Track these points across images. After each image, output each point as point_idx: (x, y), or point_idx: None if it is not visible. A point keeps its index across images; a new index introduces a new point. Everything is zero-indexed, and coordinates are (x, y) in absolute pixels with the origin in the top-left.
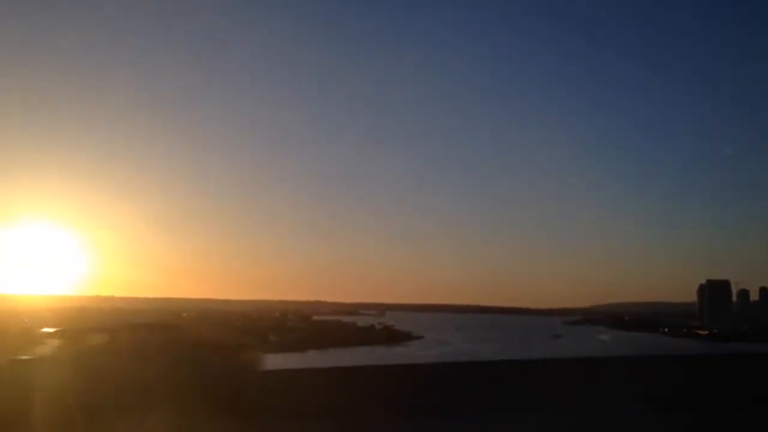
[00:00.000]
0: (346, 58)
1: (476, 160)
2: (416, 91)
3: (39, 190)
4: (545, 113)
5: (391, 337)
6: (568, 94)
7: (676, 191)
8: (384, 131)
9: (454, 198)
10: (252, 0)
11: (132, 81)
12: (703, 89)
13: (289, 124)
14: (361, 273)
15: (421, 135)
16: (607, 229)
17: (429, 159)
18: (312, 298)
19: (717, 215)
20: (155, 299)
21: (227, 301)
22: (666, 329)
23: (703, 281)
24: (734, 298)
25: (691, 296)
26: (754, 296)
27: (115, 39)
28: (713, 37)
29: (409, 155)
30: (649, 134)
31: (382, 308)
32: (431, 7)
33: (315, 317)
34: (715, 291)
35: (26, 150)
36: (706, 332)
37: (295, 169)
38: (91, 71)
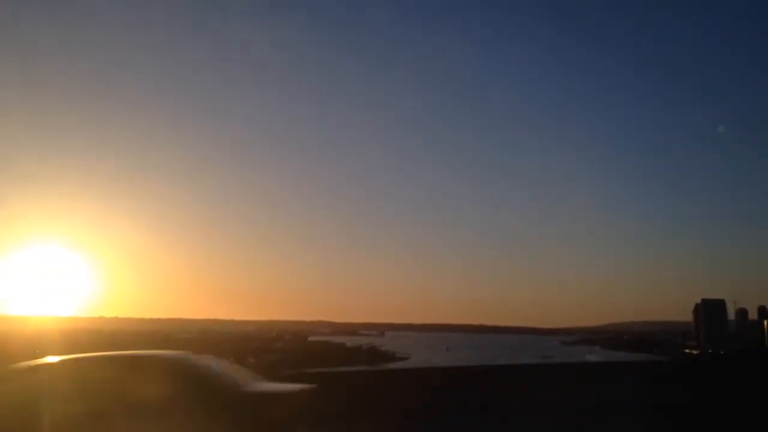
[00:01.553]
0: (354, 72)
1: (481, 182)
2: (418, 111)
3: (42, 210)
4: (545, 134)
5: (375, 357)
6: (571, 116)
7: (687, 207)
8: (387, 156)
9: (459, 218)
10: (257, 7)
11: (141, 99)
12: (703, 102)
13: (297, 148)
14: (366, 294)
15: (423, 159)
16: (617, 248)
17: (433, 181)
18: (316, 318)
19: (724, 233)
20: (160, 320)
21: (233, 322)
22: (658, 349)
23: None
24: (733, 317)
25: None
26: (753, 315)
27: (127, 57)
28: (708, 45)
29: (413, 176)
30: (651, 153)
31: (383, 328)
32: (432, 15)
33: (311, 338)
34: (710, 310)
35: (30, 167)
36: (697, 352)
37: (303, 191)
38: (100, 89)
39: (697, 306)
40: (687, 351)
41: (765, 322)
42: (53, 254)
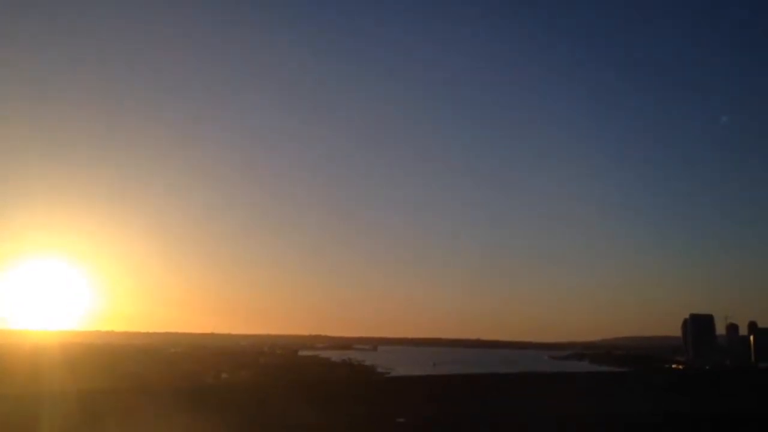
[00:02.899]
0: (354, 86)
1: (474, 201)
2: (413, 128)
3: (39, 225)
4: (538, 156)
5: (356, 372)
6: (566, 137)
7: (684, 224)
8: (378, 176)
9: (459, 235)
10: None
11: (143, 114)
12: (696, 119)
13: (298, 166)
14: (364, 309)
15: (423, 177)
16: (615, 264)
17: (434, 200)
18: (314, 332)
19: (719, 250)
20: (157, 334)
21: (230, 336)
22: (647, 363)
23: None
24: (725, 332)
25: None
26: (744, 331)
27: (125, 74)
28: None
29: (414, 194)
30: (645, 174)
31: (379, 342)
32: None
33: (302, 352)
34: (698, 325)
35: (28, 182)
36: (680, 366)
37: (306, 207)
38: (102, 103)
39: (685, 321)
40: (674, 366)
41: (752, 338)
42: (52, 270)
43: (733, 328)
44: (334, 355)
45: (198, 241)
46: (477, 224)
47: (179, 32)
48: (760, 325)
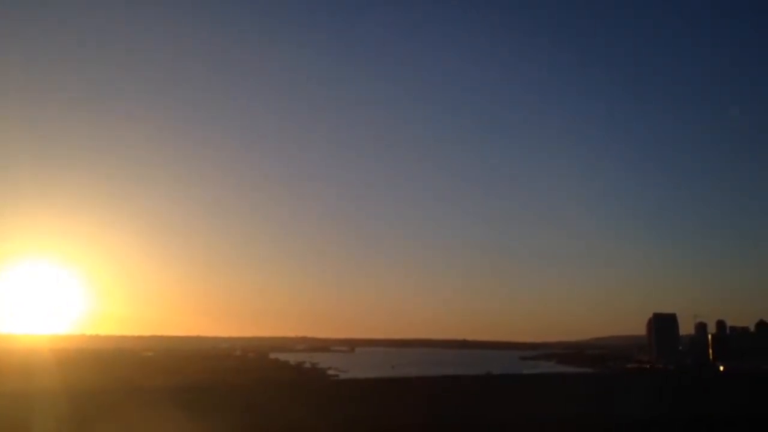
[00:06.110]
0: (353, 91)
1: (466, 204)
2: (401, 127)
3: (23, 229)
4: (520, 158)
5: (305, 374)
6: (537, 138)
7: (666, 225)
8: (372, 178)
9: (445, 237)
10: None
11: (136, 117)
12: (670, 126)
13: (286, 170)
14: (354, 311)
15: (413, 180)
16: (600, 266)
17: (422, 202)
18: (299, 334)
19: (702, 250)
20: (142, 337)
21: (216, 338)
22: (610, 364)
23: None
24: (692, 331)
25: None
26: (713, 329)
27: (127, 76)
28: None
29: (404, 196)
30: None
31: (361, 344)
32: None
33: (274, 355)
34: (661, 325)
35: (20, 184)
36: (636, 365)
37: (293, 210)
38: (95, 106)
39: (650, 320)
40: (635, 365)
41: (709, 337)
42: (38, 274)
43: (701, 326)
44: (306, 357)
45: (188, 245)
46: (469, 225)
47: (175, 33)
48: (730, 323)
